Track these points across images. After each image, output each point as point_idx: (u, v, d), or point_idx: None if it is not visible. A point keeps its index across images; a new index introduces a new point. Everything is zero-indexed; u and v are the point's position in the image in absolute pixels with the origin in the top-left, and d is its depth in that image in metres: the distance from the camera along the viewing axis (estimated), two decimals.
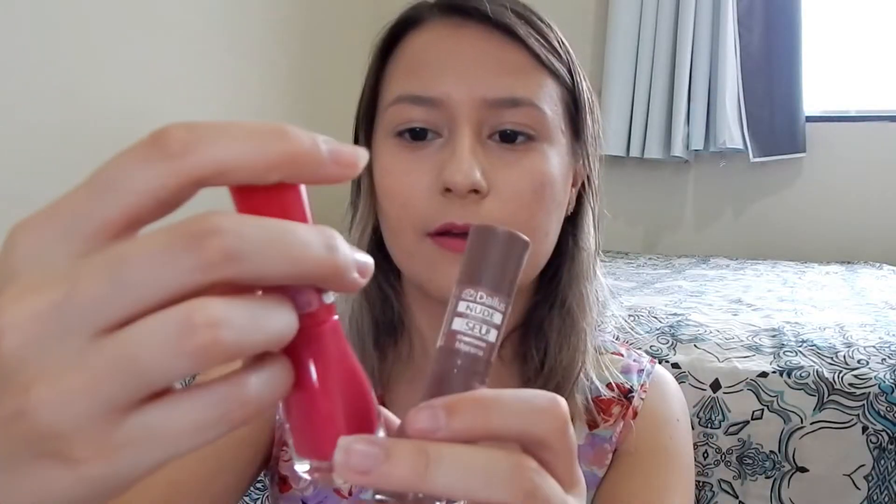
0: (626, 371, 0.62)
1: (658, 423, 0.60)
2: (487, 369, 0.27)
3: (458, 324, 0.27)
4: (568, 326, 0.57)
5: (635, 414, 0.60)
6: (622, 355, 0.64)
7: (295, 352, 0.24)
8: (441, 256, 0.49)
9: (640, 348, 1.13)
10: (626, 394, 0.61)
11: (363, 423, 0.26)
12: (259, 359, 0.22)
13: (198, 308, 0.19)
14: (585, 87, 0.57)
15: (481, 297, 0.27)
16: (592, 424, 0.60)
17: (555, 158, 0.53)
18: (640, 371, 0.63)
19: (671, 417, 0.61)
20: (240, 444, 0.56)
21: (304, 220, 0.23)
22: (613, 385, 0.60)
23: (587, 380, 0.59)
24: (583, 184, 0.59)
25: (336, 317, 0.25)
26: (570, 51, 0.56)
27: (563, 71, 0.54)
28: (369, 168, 0.53)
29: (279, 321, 0.21)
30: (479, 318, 0.27)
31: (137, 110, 1.87)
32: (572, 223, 0.59)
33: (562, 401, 0.26)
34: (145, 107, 1.86)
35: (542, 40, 0.53)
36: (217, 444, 0.54)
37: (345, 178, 0.22)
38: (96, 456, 0.19)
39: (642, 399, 0.61)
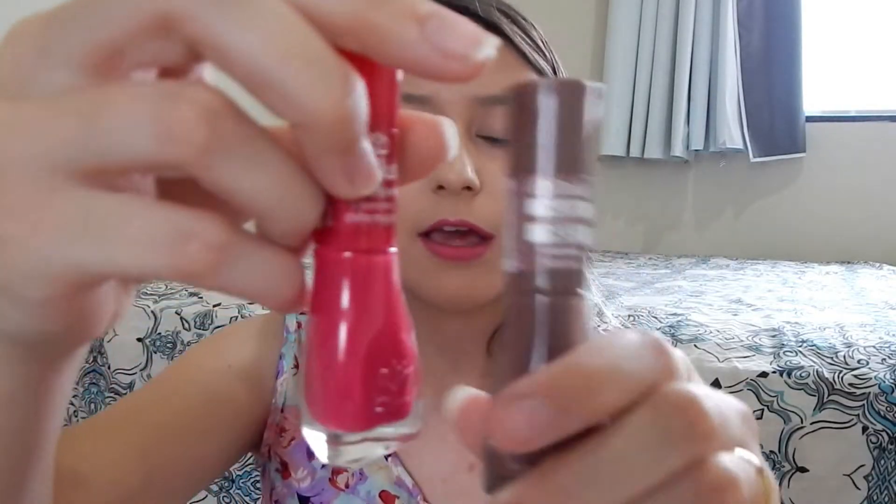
0: None
1: None
2: (585, 282, 0.20)
3: (536, 233, 0.20)
4: None
5: None
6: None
7: (331, 286, 0.20)
8: (431, 263, 0.49)
9: None
10: None
11: (399, 391, 0.21)
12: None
13: (190, 93, 0.16)
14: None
15: (560, 187, 0.19)
16: None
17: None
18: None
19: None
20: (228, 412, 0.56)
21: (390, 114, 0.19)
22: None
23: None
24: None
25: (394, 249, 0.20)
26: (553, 50, 0.57)
27: (547, 69, 0.54)
28: None
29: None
30: (563, 217, 0.20)
31: None
32: None
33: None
34: None
35: (527, 39, 0.54)
36: (204, 409, 0.53)
37: (446, 74, 0.18)
38: (29, 229, 0.17)
39: None
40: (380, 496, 0.56)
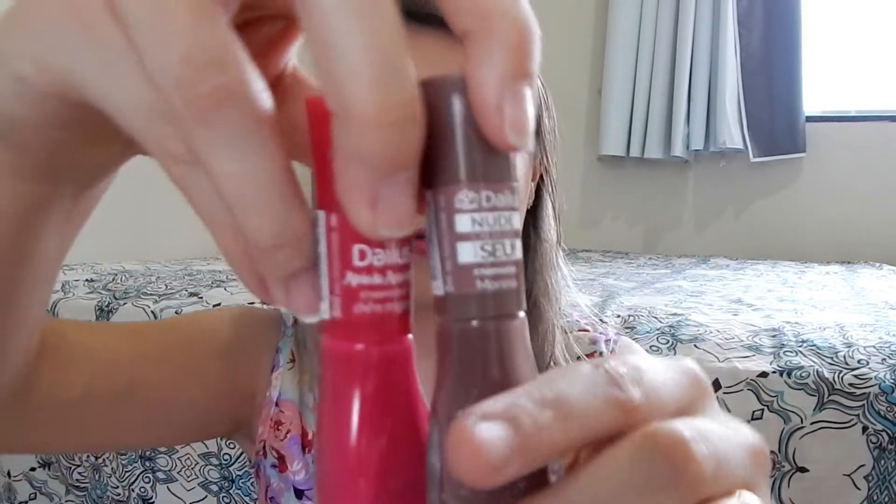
0: (593, 342, 0.64)
1: None
2: (522, 301, 0.19)
3: (467, 252, 0.17)
4: (535, 317, 0.59)
5: None
6: (588, 330, 0.66)
7: (341, 383, 0.19)
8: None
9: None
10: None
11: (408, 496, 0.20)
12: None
13: None
14: (539, 84, 0.59)
15: (489, 200, 0.18)
16: None
17: (519, 154, 0.55)
18: (608, 341, 0.66)
19: None
20: (209, 370, 0.55)
21: None
22: (584, 357, 0.62)
23: (556, 364, 0.60)
24: (541, 177, 0.62)
25: (410, 336, 0.19)
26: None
27: None
28: None
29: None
30: (494, 232, 0.18)
31: None
32: (532, 216, 0.62)
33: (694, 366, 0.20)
34: None
35: None
36: (189, 353, 0.53)
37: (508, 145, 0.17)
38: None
39: None
40: None
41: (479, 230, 0.17)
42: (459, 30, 0.17)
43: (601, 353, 0.64)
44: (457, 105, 0.17)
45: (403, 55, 0.16)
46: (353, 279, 0.18)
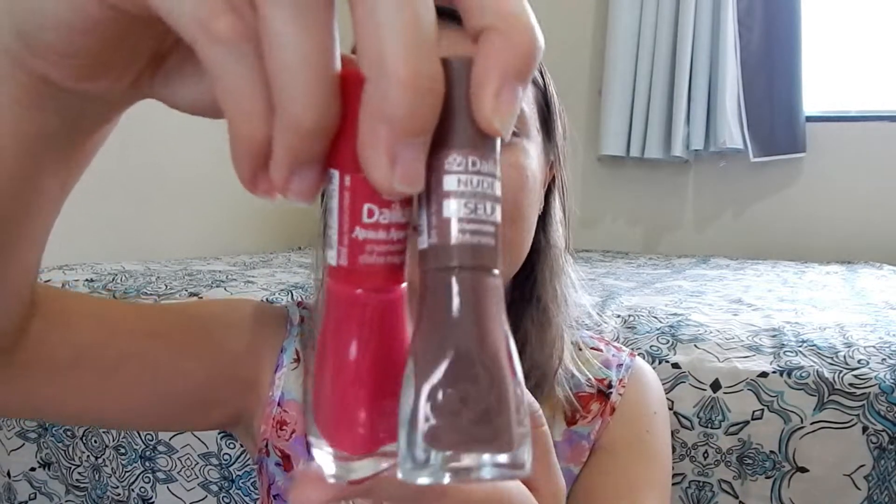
0: (605, 365, 0.64)
1: (635, 417, 0.61)
2: (499, 263, 0.20)
3: (452, 206, 0.20)
4: (545, 323, 0.59)
5: (613, 410, 0.61)
6: (601, 350, 0.65)
7: (342, 320, 0.21)
8: None
9: (639, 348, 1.13)
10: (606, 388, 0.62)
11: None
12: None
13: None
14: (553, 88, 0.59)
15: (474, 165, 0.20)
16: (571, 420, 0.60)
17: (534, 154, 0.56)
18: (620, 366, 0.64)
19: (648, 410, 0.62)
20: (212, 356, 0.55)
21: None
22: (594, 380, 0.61)
23: (567, 374, 0.60)
24: (551, 183, 0.61)
25: (404, 285, 0.22)
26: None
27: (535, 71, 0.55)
28: None
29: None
30: (479, 193, 0.20)
31: None
32: (542, 221, 0.62)
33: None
34: None
35: None
36: (194, 335, 0.53)
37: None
38: None
39: (620, 395, 0.62)
40: None
41: (463, 189, 0.20)
42: (476, 25, 0.19)
43: (611, 383, 0.63)
44: (459, 84, 0.19)
45: (435, 34, 0.18)
46: (360, 234, 0.21)
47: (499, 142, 0.20)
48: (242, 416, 0.59)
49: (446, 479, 0.19)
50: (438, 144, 0.20)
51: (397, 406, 0.20)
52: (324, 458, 0.22)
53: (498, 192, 0.20)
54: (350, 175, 0.20)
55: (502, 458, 0.19)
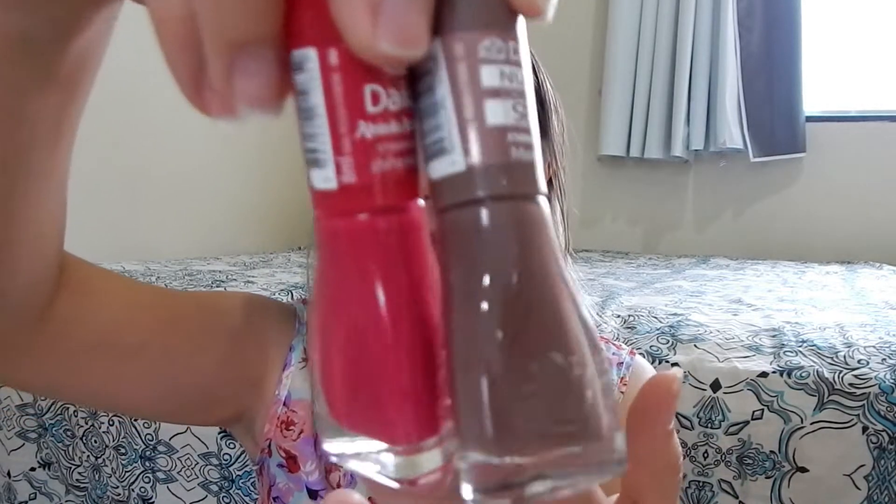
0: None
1: None
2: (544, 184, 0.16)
3: (497, 111, 0.14)
4: None
5: None
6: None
7: (345, 264, 0.16)
8: None
9: (639, 348, 1.13)
10: None
11: (426, 386, 0.16)
12: None
13: None
14: (549, 86, 0.58)
15: (514, 51, 0.15)
16: None
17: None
18: (620, 364, 0.64)
19: None
20: (224, 347, 0.54)
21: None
22: None
23: None
24: (549, 181, 0.60)
25: (422, 202, 0.16)
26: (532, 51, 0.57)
27: None
28: None
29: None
30: (523, 92, 0.15)
31: (134, 100, 1.87)
32: None
33: None
34: (143, 96, 1.86)
35: None
36: (206, 325, 0.51)
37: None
38: None
39: (622, 393, 0.62)
40: (369, 501, 0.54)
41: (509, 86, 0.14)
42: None
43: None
44: None
45: None
46: (366, 129, 0.15)
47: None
48: (244, 414, 0.59)
49: (531, 490, 0.15)
50: (467, 23, 0.14)
51: (447, 365, 0.15)
52: (368, 458, 0.16)
53: (529, 86, 0.15)
54: (335, 48, 0.15)
55: (595, 450, 0.15)
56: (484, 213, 0.15)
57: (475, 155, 0.14)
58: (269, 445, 0.59)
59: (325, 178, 0.15)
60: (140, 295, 0.49)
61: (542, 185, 0.15)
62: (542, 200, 0.15)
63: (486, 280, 0.15)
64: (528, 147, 0.15)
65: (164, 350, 0.49)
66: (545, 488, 0.15)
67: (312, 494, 0.57)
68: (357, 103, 0.15)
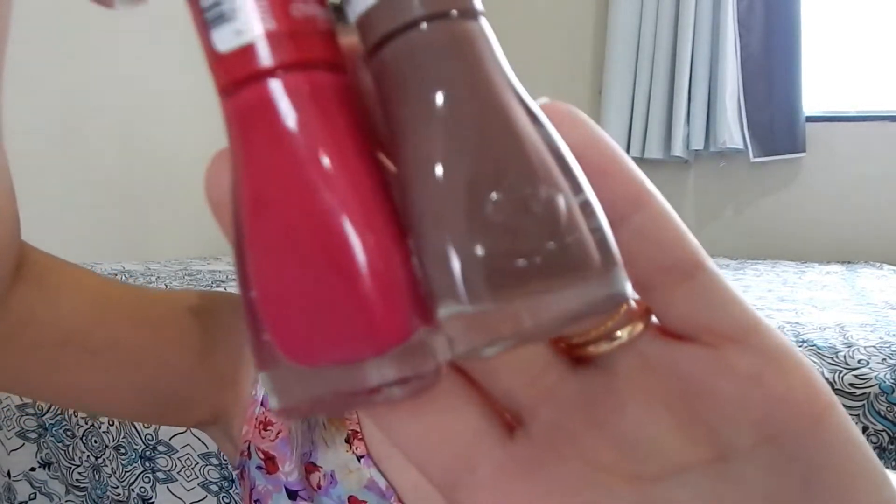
0: None
1: None
2: None
3: None
4: None
5: None
6: None
7: (278, 130, 0.13)
8: None
9: None
10: None
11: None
12: None
13: None
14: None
15: None
16: None
17: None
18: None
19: None
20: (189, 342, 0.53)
21: None
22: None
23: None
24: None
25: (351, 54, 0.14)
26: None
27: None
28: None
29: None
30: None
31: (135, 106, 1.87)
32: None
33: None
34: (144, 102, 1.86)
35: None
36: (175, 322, 0.51)
37: None
38: None
39: None
40: (349, 501, 0.54)
41: None
42: None
43: None
44: None
45: None
46: None
47: None
48: (220, 415, 0.58)
49: (520, 334, 0.13)
50: None
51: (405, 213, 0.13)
52: (346, 384, 0.13)
53: None
54: None
55: (582, 284, 0.13)
56: (411, 38, 0.13)
57: None
58: (249, 447, 0.58)
59: (236, 32, 0.13)
60: (109, 291, 0.48)
61: (474, 2, 0.13)
62: (480, 19, 0.13)
63: (432, 106, 0.13)
64: None
65: (134, 349, 0.48)
66: (527, 337, 0.13)
67: (291, 495, 0.56)
68: None
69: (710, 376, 0.16)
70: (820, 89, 2.71)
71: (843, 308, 1.44)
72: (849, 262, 2.39)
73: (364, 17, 0.13)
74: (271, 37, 0.12)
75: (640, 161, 2.81)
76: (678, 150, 2.68)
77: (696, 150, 2.72)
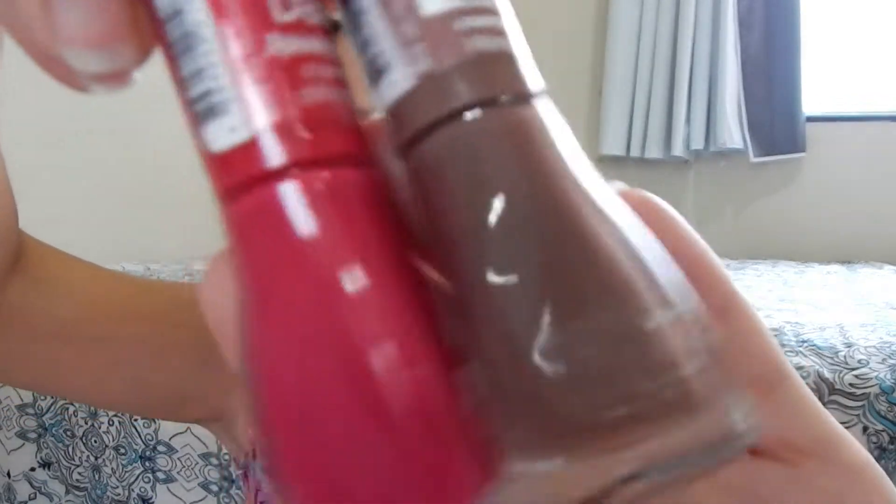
0: None
1: None
2: (530, 75, 0.12)
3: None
4: None
5: None
6: None
7: (292, 245, 0.10)
8: None
9: None
10: None
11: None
12: None
13: None
14: None
15: None
16: None
17: None
18: None
19: None
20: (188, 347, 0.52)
21: None
22: None
23: None
24: None
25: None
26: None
27: None
28: None
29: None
30: None
31: (137, 110, 1.87)
32: None
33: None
34: (145, 106, 1.86)
35: None
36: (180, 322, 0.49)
37: None
38: None
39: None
40: None
41: None
42: None
43: None
44: None
45: None
46: (282, 44, 0.10)
47: None
48: (223, 414, 0.57)
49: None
50: None
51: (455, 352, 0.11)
52: None
53: None
54: None
55: (692, 426, 0.10)
56: (446, 138, 0.11)
57: (420, 62, 0.10)
58: (254, 449, 0.57)
59: (230, 128, 0.11)
60: (108, 284, 0.48)
61: (528, 81, 0.11)
62: (538, 102, 0.11)
63: (492, 214, 0.10)
64: (495, 32, 0.11)
65: (131, 343, 0.48)
66: (634, 492, 0.10)
67: None
68: (259, 8, 0.10)
69: (790, 495, 0.15)
70: (820, 89, 2.71)
71: (843, 308, 1.44)
72: (849, 262, 2.39)
73: (399, 104, 0.11)
74: (279, 129, 0.10)
75: (641, 161, 2.82)
76: (678, 149, 2.67)
77: (696, 150, 2.72)
